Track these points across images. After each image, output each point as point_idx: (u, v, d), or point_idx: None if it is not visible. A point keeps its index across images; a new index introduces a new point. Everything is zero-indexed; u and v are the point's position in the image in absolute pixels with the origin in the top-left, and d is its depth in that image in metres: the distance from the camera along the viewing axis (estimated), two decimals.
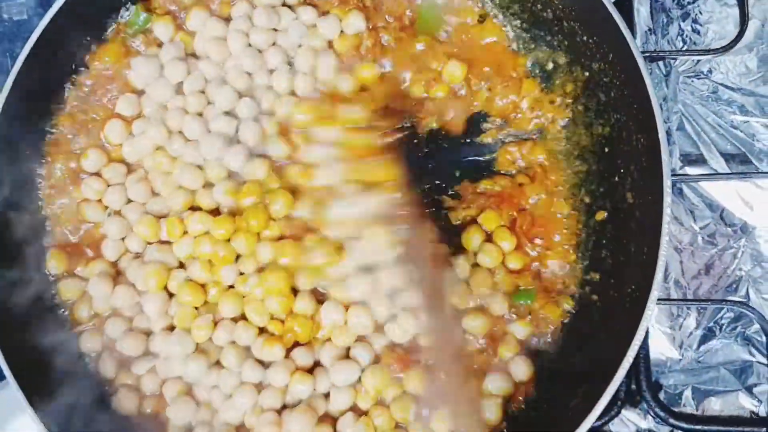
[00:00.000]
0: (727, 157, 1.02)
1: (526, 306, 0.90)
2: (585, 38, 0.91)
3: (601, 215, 0.92)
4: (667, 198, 0.78)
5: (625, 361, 0.74)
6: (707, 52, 1.01)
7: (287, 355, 0.87)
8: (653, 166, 0.80)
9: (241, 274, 0.90)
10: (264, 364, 0.87)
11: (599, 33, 0.89)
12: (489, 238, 0.93)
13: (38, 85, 0.91)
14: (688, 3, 1.07)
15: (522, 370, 0.88)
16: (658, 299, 0.94)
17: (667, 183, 0.78)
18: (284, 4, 0.98)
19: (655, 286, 0.76)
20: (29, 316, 0.86)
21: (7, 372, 0.79)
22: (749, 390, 0.95)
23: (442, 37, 0.99)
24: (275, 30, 0.97)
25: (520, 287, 0.91)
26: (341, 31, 0.97)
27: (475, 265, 0.92)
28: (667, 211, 0.77)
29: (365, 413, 0.87)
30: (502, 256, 0.92)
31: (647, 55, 1.01)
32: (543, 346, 0.90)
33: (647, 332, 0.95)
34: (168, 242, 0.92)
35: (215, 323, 0.89)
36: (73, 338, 0.89)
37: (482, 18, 1.00)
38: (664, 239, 0.76)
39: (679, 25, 1.07)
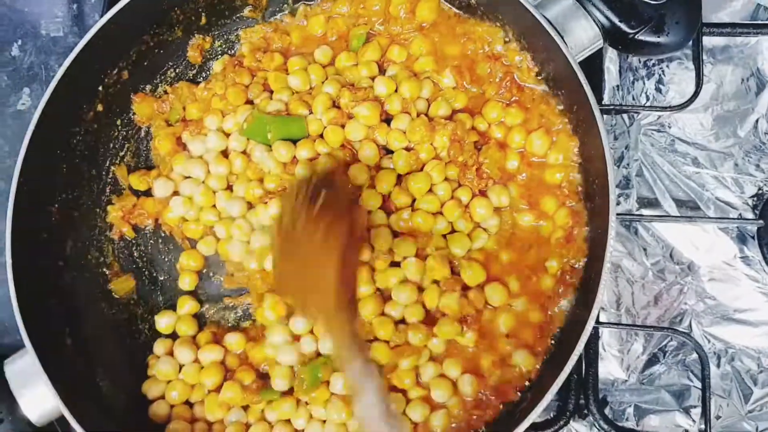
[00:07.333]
0: (679, 203, 1.12)
1: None
2: (554, 91, 1.03)
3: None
4: (611, 231, 0.88)
5: (564, 370, 0.83)
6: (665, 108, 1.12)
7: None
8: (603, 204, 0.91)
9: None
10: None
11: (567, 88, 1.00)
12: None
13: None
14: (653, 64, 1.18)
15: None
16: (610, 323, 1.05)
17: (612, 218, 0.88)
18: None
19: (595, 306, 0.85)
20: None
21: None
22: (686, 411, 1.04)
23: None
24: None
25: None
26: None
27: None
28: (610, 243, 0.87)
29: None
30: None
31: (613, 108, 1.13)
32: None
33: (598, 354, 1.04)
34: None
35: None
36: None
37: None
38: (607, 265, 0.87)
39: (644, 83, 1.17)
